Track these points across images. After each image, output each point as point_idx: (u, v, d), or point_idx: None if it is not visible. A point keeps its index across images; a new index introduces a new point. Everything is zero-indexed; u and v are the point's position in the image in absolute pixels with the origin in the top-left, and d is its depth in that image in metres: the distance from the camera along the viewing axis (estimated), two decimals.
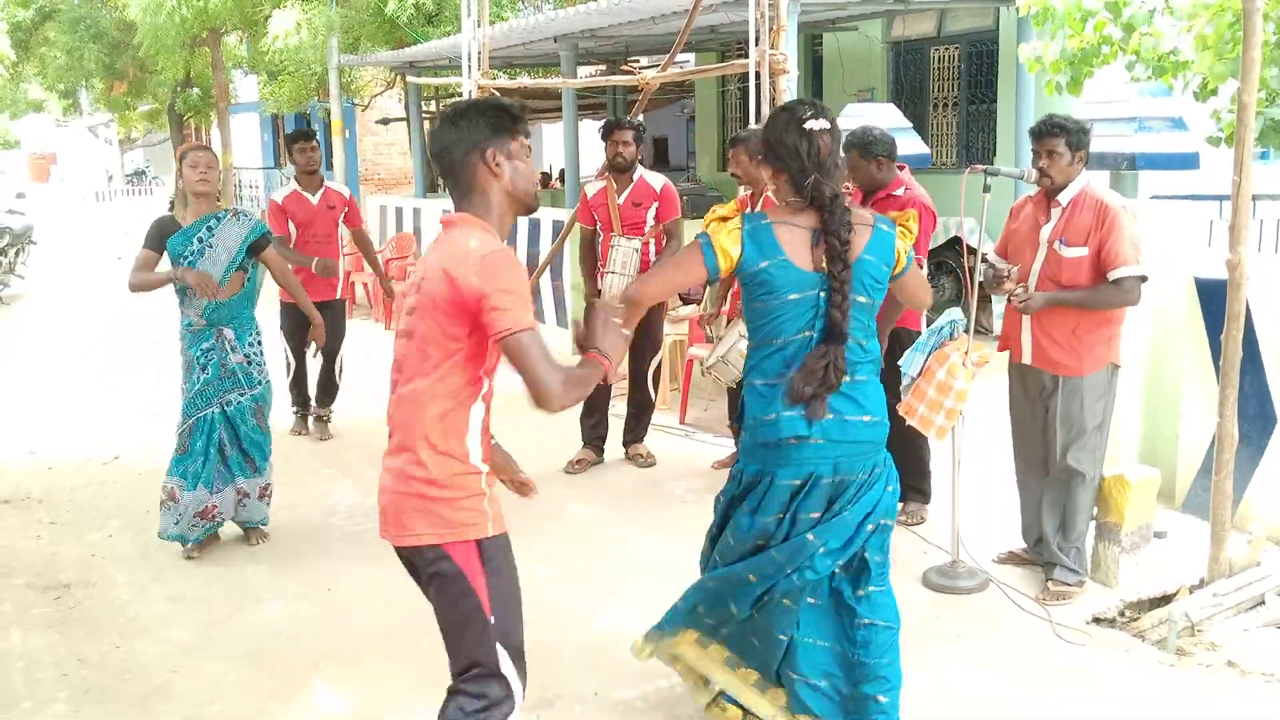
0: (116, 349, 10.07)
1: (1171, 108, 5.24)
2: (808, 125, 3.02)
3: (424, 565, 2.63)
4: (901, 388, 4.46)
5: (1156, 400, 5.31)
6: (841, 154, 3.12)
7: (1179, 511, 5.09)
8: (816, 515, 3.02)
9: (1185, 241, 5.39)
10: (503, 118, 2.63)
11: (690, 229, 8.08)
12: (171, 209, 25.70)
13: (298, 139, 6.87)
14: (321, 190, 6.82)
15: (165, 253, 4.87)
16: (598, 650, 3.98)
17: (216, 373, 4.89)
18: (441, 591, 2.63)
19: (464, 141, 2.60)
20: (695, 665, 3.34)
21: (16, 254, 14.10)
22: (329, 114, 16.12)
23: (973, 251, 4.42)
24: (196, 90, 22.41)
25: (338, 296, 6.87)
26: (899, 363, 4.48)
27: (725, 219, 3.07)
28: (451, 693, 2.68)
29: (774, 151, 3.05)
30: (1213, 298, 4.74)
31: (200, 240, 4.84)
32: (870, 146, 4.90)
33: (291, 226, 6.70)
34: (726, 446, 6.22)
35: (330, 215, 6.83)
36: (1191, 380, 5.06)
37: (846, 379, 3.00)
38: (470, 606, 2.61)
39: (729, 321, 5.77)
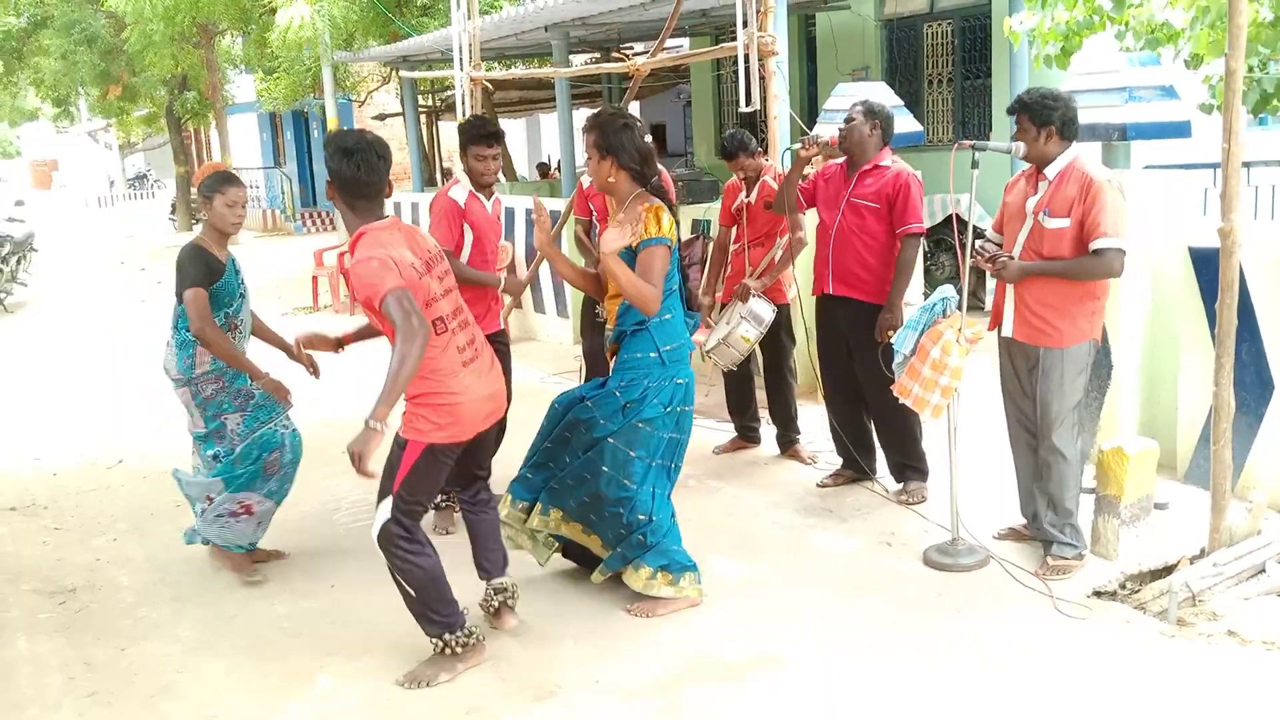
0: (120, 355, 10.11)
1: (1161, 76, 5.20)
2: (645, 139, 4.07)
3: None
4: (894, 366, 4.47)
5: (1155, 371, 5.30)
6: None
7: (1180, 482, 5.08)
8: None
9: (1180, 210, 5.37)
10: None
11: (686, 214, 8.09)
12: (174, 212, 25.68)
13: (478, 138, 5.03)
14: (494, 198, 5.23)
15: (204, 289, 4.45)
16: (599, 637, 3.99)
17: (262, 396, 4.65)
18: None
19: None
20: (540, 529, 4.30)
21: (18, 261, 14.16)
22: (325, 110, 16.13)
23: (965, 225, 4.41)
24: (193, 93, 22.44)
25: (501, 327, 5.29)
26: (891, 341, 4.49)
27: (658, 219, 3.93)
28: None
29: (624, 154, 3.98)
30: (1207, 266, 4.72)
31: (241, 279, 4.64)
32: (875, 110, 5.02)
33: (468, 236, 5.01)
34: (727, 432, 6.22)
35: (498, 229, 5.24)
36: (1189, 350, 5.05)
37: None
38: None
39: (724, 306, 5.78)
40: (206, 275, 4.44)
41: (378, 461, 3.39)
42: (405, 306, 3.33)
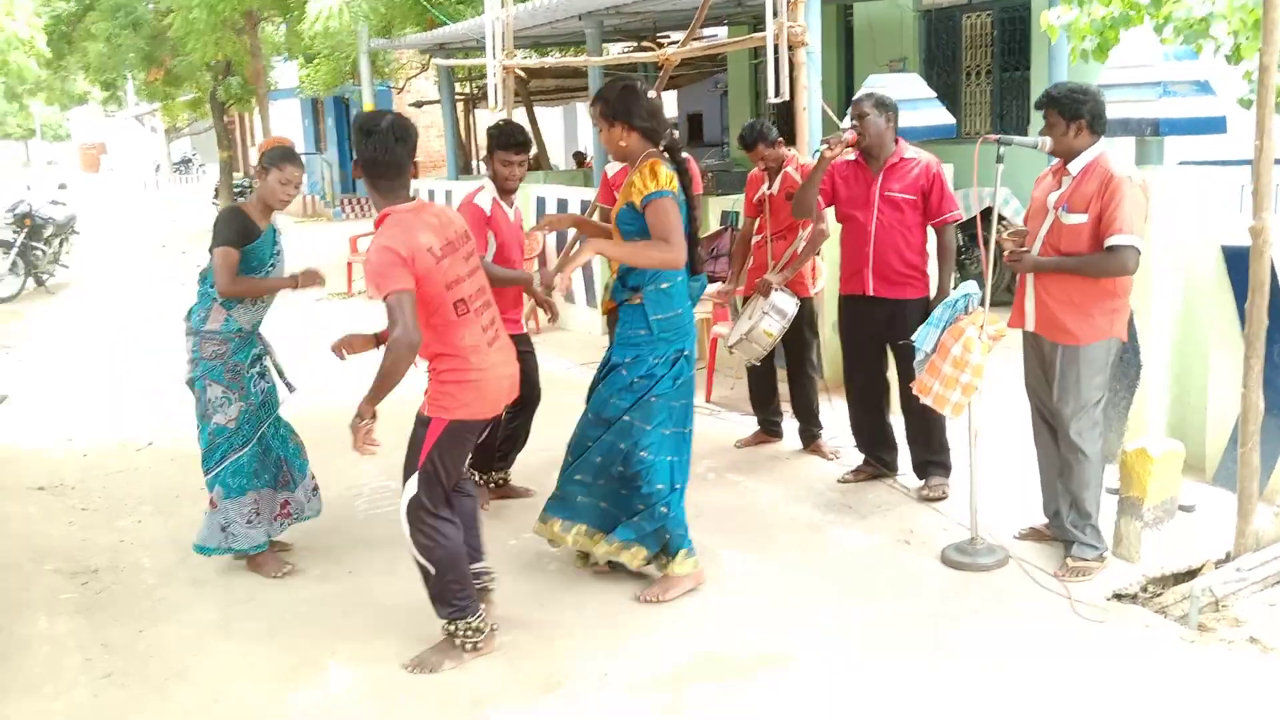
0: (156, 336, 10.22)
1: (1197, 71, 5.09)
2: (651, 96, 4.08)
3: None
4: (915, 363, 4.42)
5: (1185, 371, 5.20)
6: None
7: (1209, 484, 4.99)
8: None
9: (1213, 208, 5.26)
10: None
11: (716, 205, 8.05)
12: (216, 196, 25.98)
13: (506, 145, 5.04)
14: (514, 206, 5.24)
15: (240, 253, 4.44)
16: (608, 630, 3.99)
17: (269, 379, 4.70)
18: None
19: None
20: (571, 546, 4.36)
21: (60, 244, 14.37)
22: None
23: (987, 217, 4.34)
24: (236, 78, 22.65)
25: (524, 330, 5.28)
26: (912, 338, 4.43)
27: (655, 173, 3.93)
28: None
29: (632, 115, 3.99)
30: (1240, 265, 4.60)
31: (277, 250, 4.63)
32: (885, 102, 4.97)
33: (492, 241, 5.04)
34: (750, 425, 6.19)
35: (520, 237, 5.25)
36: (1220, 349, 4.94)
37: None
38: None
39: (747, 299, 5.74)
40: (239, 236, 4.42)
41: (372, 442, 3.59)
42: (403, 314, 3.44)
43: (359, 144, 3.61)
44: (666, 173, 3.95)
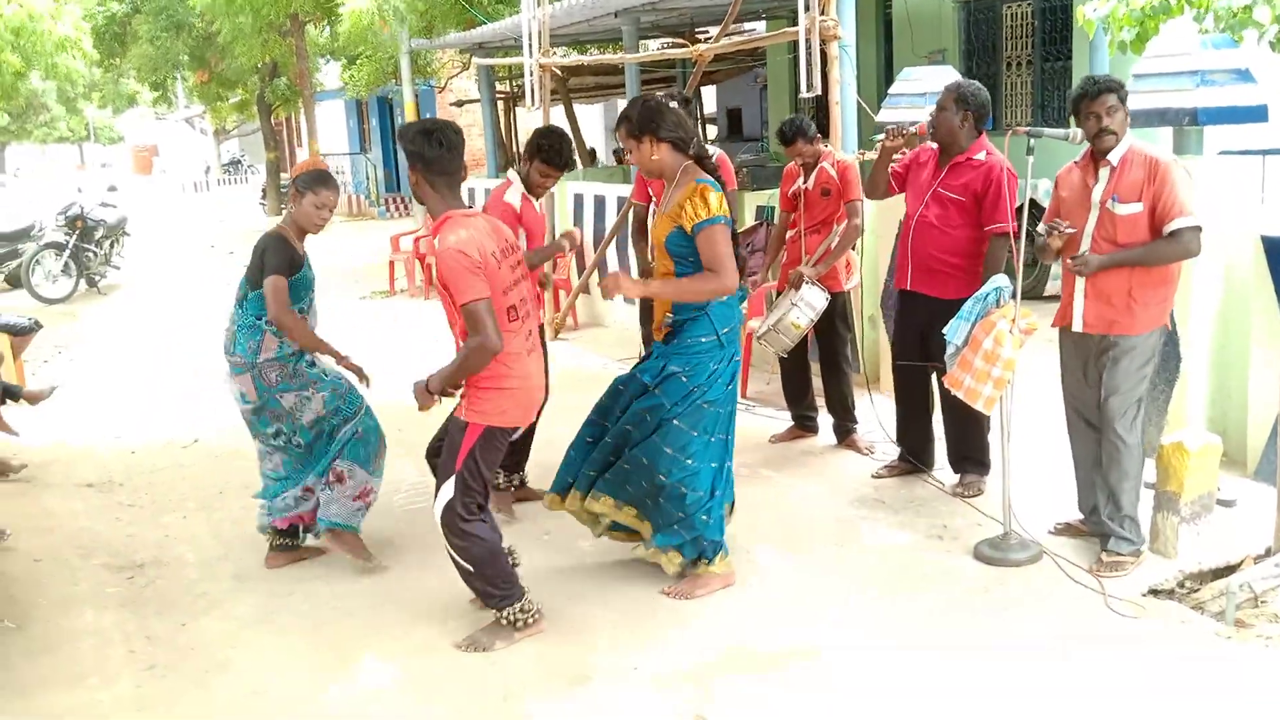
0: (204, 336, 10.39)
1: (1236, 59, 5.01)
2: (672, 104, 4.13)
3: None
4: (946, 357, 4.40)
5: (1225, 363, 5.13)
6: None
7: (1251, 479, 4.92)
8: None
9: (1255, 198, 5.18)
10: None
11: (751, 200, 8.04)
12: (264, 197, 26.26)
13: (551, 160, 5.07)
14: (540, 198, 5.32)
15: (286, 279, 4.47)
16: (638, 625, 4.02)
17: (314, 375, 4.64)
18: None
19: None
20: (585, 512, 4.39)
21: (111, 245, 14.61)
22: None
23: (1034, 213, 4.31)
24: (284, 80, 22.94)
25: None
26: (943, 331, 4.41)
27: (705, 199, 3.92)
28: None
29: (661, 127, 3.99)
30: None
31: (313, 275, 4.67)
32: (967, 98, 4.83)
33: (522, 237, 5.09)
34: (785, 420, 6.19)
35: (545, 227, 5.36)
36: (1260, 342, 4.88)
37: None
38: None
39: (779, 293, 5.74)
40: (288, 265, 4.45)
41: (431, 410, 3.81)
42: (488, 320, 3.56)
43: (419, 145, 3.65)
44: (717, 197, 3.96)
